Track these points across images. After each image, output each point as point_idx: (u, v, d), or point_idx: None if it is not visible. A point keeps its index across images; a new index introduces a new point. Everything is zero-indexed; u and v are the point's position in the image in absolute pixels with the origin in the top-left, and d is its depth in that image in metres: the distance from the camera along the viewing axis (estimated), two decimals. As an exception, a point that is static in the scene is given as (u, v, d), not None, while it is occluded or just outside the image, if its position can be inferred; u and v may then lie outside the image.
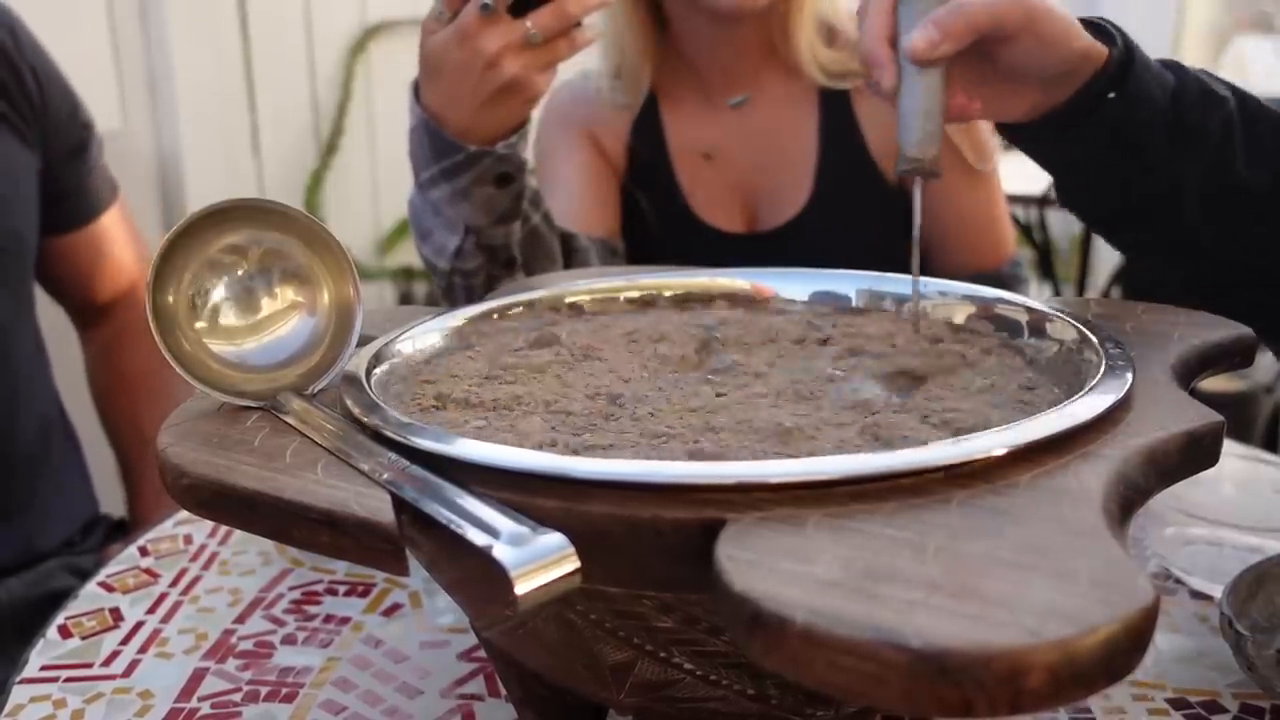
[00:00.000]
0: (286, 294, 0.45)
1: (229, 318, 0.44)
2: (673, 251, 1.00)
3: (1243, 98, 0.59)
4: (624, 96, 1.02)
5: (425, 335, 0.51)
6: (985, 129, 0.95)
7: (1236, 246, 0.60)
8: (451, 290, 0.82)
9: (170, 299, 0.43)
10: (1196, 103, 0.57)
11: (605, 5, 0.70)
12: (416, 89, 0.75)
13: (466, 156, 0.73)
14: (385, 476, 0.34)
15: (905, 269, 0.55)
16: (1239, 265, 0.61)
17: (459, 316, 0.54)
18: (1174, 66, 0.59)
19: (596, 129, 1.03)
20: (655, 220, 1.02)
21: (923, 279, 0.55)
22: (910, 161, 0.52)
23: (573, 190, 1.01)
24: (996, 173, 0.99)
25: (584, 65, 1.01)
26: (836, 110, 0.97)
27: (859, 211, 0.98)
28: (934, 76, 0.52)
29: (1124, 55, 0.56)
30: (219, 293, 0.44)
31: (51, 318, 1.01)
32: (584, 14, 0.69)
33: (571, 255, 0.88)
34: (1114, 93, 0.55)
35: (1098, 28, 0.57)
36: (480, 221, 0.77)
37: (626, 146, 1.03)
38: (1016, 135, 0.61)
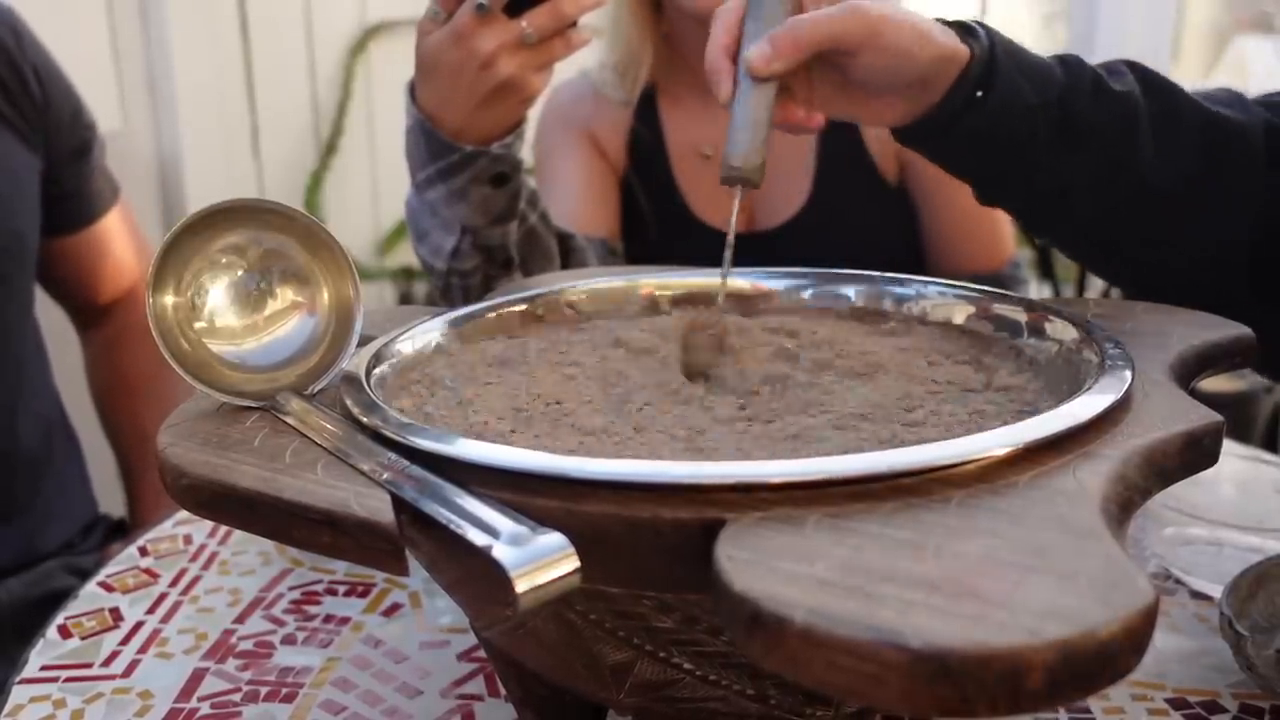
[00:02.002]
0: (286, 294, 0.45)
1: (229, 318, 0.44)
2: (671, 251, 1.00)
3: (1155, 92, 0.58)
4: (623, 91, 1.02)
5: (425, 335, 0.51)
6: None
7: (1152, 247, 0.59)
8: (449, 290, 0.82)
9: (170, 299, 0.43)
10: (1087, 100, 0.56)
11: (600, 4, 0.70)
12: (412, 89, 0.75)
13: (463, 156, 0.73)
14: (385, 476, 0.34)
15: (904, 269, 0.56)
16: (1158, 265, 0.60)
17: (458, 317, 0.54)
18: (1071, 62, 0.58)
19: (595, 128, 1.03)
20: (653, 219, 1.02)
21: (922, 279, 0.55)
22: (732, 170, 0.53)
23: (572, 190, 1.01)
24: None
25: (582, 64, 1.01)
26: (837, 131, 0.97)
27: (857, 211, 0.98)
28: (767, 90, 0.53)
29: (987, 55, 0.55)
30: (219, 293, 0.44)
31: (52, 318, 1.01)
32: (579, 14, 0.69)
33: (569, 255, 0.88)
34: (982, 91, 0.55)
35: (966, 28, 0.57)
36: (477, 222, 0.77)
37: (625, 145, 1.03)
38: (903, 139, 0.60)
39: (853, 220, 0.97)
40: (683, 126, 1.02)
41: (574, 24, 0.70)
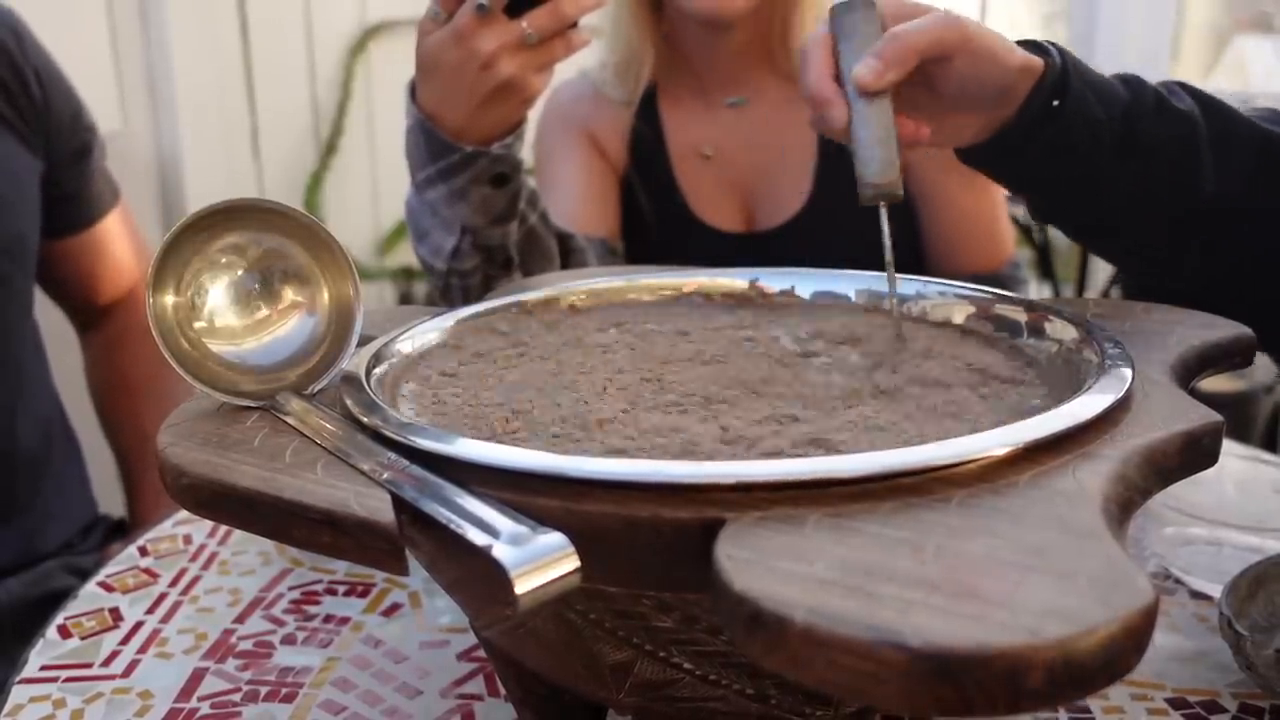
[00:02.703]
0: (286, 294, 0.45)
1: (228, 318, 0.44)
2: (671, 251, 1.00)
3: (1213, 113, 0.59)
4: (623, 91, 1.02)
5: (424, 335, 0.51)
6: None
7: (1214, 262, 0.61)
8: (449, 291, 0.82)
9: (170, 299, 0.43)
10: (1150, 118, 0.58)
11: (600, 5, 0.70)
12: (413, 89, 0.75)
13: (463, 157, 0.73)
14: (385, 476, 0.34)
15: (904, 270, 0.56)
16: (1221, 281, 0.61)
17: (456, 316, 0.54)
18: (1132, 81, 0.59)
19: (596, 128, 1.03)
20: (654, 219, 1.02)
21: (922, 279, 0.55)
22: (874, 189, 0.53)
23: (572, 190, 1.01)
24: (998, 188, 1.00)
25: (581, 65, 1.02)
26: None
27: (858, 212, 0.98)
28: (883, 105, 0.54)
29: (1059, 67, 0.57)
30: (218, 293, 0.44)
31: (51, 318, 1.01)
32: (580, 14, 0.69)
33: (569, 255, 0.88)
34: (1057, 101, 0.56)
35: (1036, 45, 0.58)
36: (477, 222, 0.77)
37: (626, 145, 1.03)
38: (974, 158, 0.61)
39: (852, 221, 0.97)
40: (683, 126, 1.02)
41: (574, 25, 0.70)
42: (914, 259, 1.00)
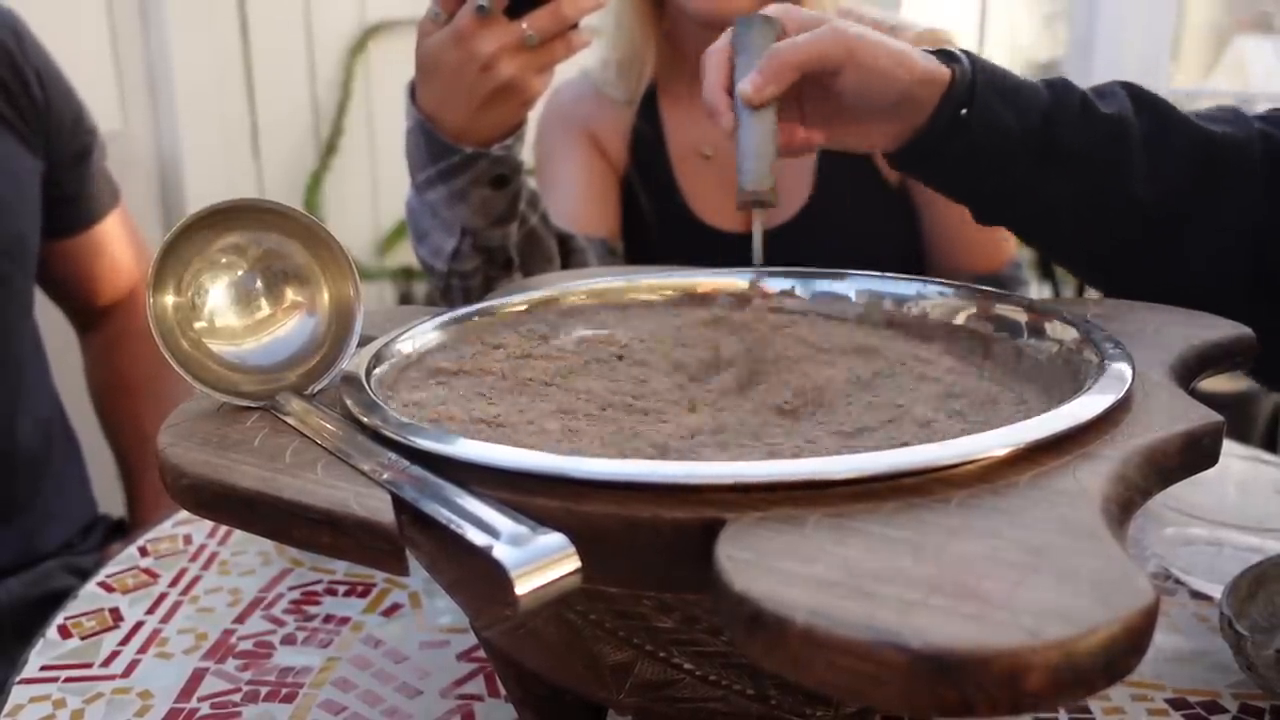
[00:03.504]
0: (286, 294, 0.45)
1: (229, 318, 0.44)
2: (671, 251, 1.00)
3: (1149, 116, 0.59)
4: (625, 90, 1.02)
5: (424, 335, 0.51)
6: None
7: (1148, 263, 0.61)
8: (449, 292, 0.82)
9: (170, 299, 0.43)
10: (1072, 123, 0.58)
11: (600, 6, 0.70)
12: (413, 90, 0.75)
13: (463, 158, 0.73)
14: (385, 476, 0.34)
15: (904, 269, 0.57)
16: (1155, 282, 0.61)
17: (455, 316, 0.54)
18: (1057, 85, 0.60)
19: (596, 128, 1.04)
20: (654, 219, 1.02)
21: (921, 280, 0.55)
22: (748, 195, 0.56)
23: (572, 190, 1.01)
24: None
25: (582, 64, 1.02)
26: None
27: (858, 212, 0.98)
28: (766, 116, 0.57)
29: (969, 76, 0.58)
30: (219, 293, 0.44)
31: (51, 319, 1.01)
32: (580, 16, 0.69)
33: (569, 256, 0.88)
34: (965, 109, 0.57)
35: (950, 55, 0.59)
36: (477, 223, 0.77)
37: (626, 145, 1.03)
38: (896, 163, 0.63)
39: (853, 220, 0.97)
40: (683, 126, 1.02)
41: (575, 26, 0.70)
42: (914, 258, 1.00)
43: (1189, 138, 0.59)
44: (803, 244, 0.96)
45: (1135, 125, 0.59)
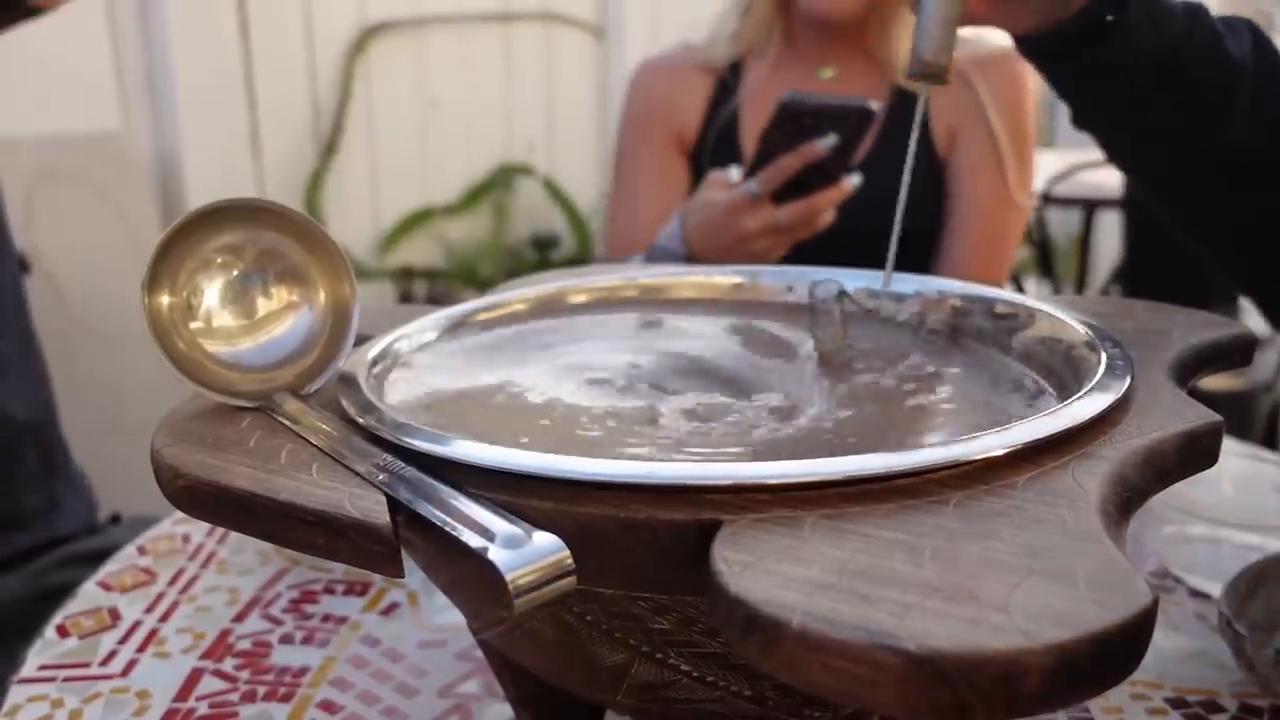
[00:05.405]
0: (282, 294, 0.45)
1: (224, 318, 0.44)
2: None
3: (1265, 66, 0.59)
4: (729, 54, 1.09)
5: (421, 334, 0.51)
6: (1033, 166, 1.07)
7: (1228, 209, 0.61)
8: None
9: (165, 299, 0.43)
10: (1199, 57, 0.57)
11: (844, 197, 0.85)
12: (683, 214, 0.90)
13: None
14: (380, 478, 0.34)
15: (931, 240, 0.57)
16: (1232, 229, 0.61)
17: (455, 316, 0.54)
18: (1194, 13, 0.59)
19: (677, 103, 1.11)
20: None
21: (921, 278, 0.55)
22: (924, 65, 0.53)
23: (649, 206, 1.10)
24: (1026, 210, 1.08)
25: (686, 38, 1.14)
26: (906, 103, 1.03)
27: (912, 186, 1.00)
28: None
29: None
30: (214, 293, 0.44)
31: (50, 320, 1.01)
32: (827, 208, 0.85)
33: None
34: (1112, 16, 0.56)
35: None
36: None
37: (702, 115, 1.10)
38: (1024, 47, 0.62)
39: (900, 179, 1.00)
40: (763, 92, 1.07)
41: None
42: (938, 233, 1.04)
43: None
44: (857, 214, 0.98)
45: (1251, 73, 0.58)
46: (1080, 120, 0.63)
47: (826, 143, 0.83)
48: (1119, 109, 0.60)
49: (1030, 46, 0.61)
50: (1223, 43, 0.58)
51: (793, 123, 0.84)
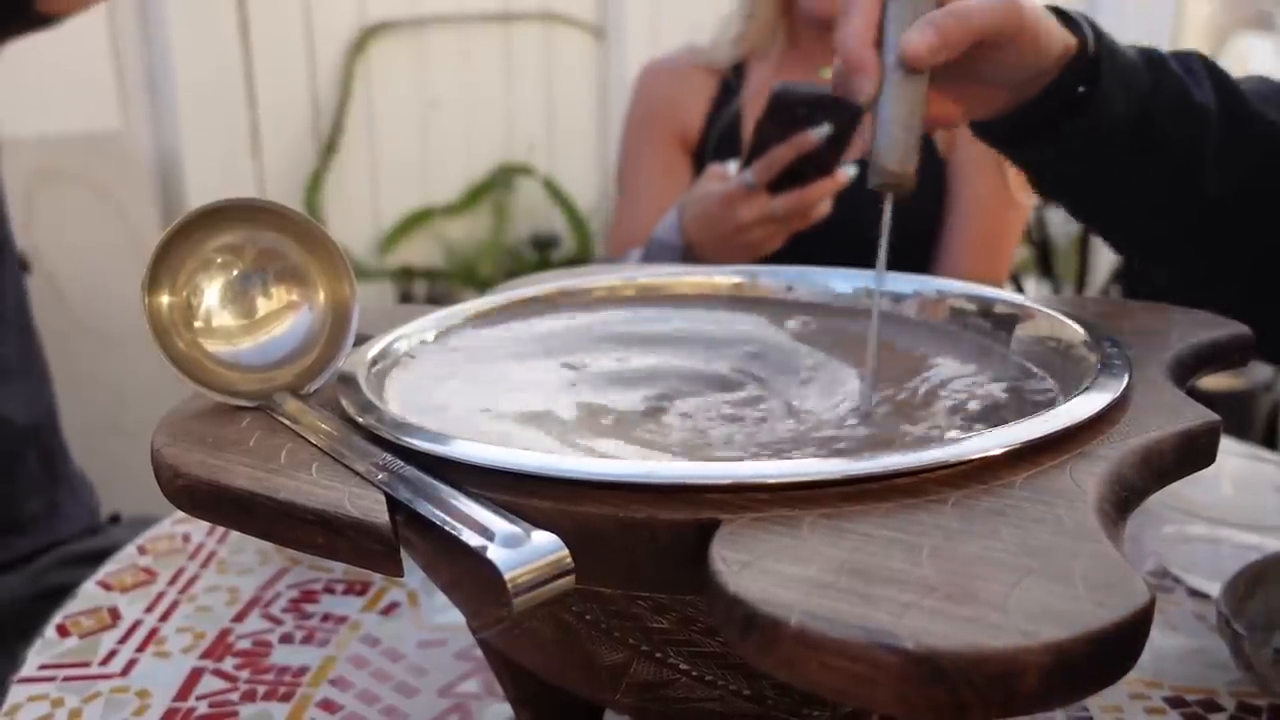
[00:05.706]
0: (282, 293, 0.45)
1: (224, 318, 0.44)
2: None
3: (1228, 110, 0.56)
4: (729, 56, 1.11)
5: (421, 334, 0.51)
6: None
7: (1212, 258, 0.60)
8: None
9: (165, 299, 0.43)
10: (1169, 113, 0.55)
11: (838, 188, 0.84)
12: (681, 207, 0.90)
13: None
14: (380, 477, 0.34)
15: (930, 240, 0.56)
16: (1219, 276, 0.60)
17: (455, 315, 0.54)
18: (1155, 64, 0.55)
19: (680, 104, 1.11)
20: None
21: (920, 277, 0.55)
22: (889, 175, 0.47)
23: (651, 208, 1.10)
24: (1026, 209, 1.09)
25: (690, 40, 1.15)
26: None
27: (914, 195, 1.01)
28: (919, 83, 0.48)
29: (1092, 49, 0.53)
30: (214, 293, 0.44)
31: (50, 320, 1.01)
32: (821, 198, 0.85)
33: None
34: (1084, 87, 0.53)
35: (1067, 18, 0.54)
36: None
37: (704, 115, 1.11)
38: (984, 132, 0.58)
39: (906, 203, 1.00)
40: (763, 96, 1.07)
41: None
42: (937, 233, 1.04)
43: (1261, 137, 0.57)
44: (849, 219, 0.98)
45: (1216, 120, 0.56)
46: (1049, 193, 0.60)
47: (820, 132, 0.82)
48: (1092, 177, 0.57)
49: (997, 132, 0.57)
50: (1188, 95, 0.55)
51: (785, 113, 0.83)
